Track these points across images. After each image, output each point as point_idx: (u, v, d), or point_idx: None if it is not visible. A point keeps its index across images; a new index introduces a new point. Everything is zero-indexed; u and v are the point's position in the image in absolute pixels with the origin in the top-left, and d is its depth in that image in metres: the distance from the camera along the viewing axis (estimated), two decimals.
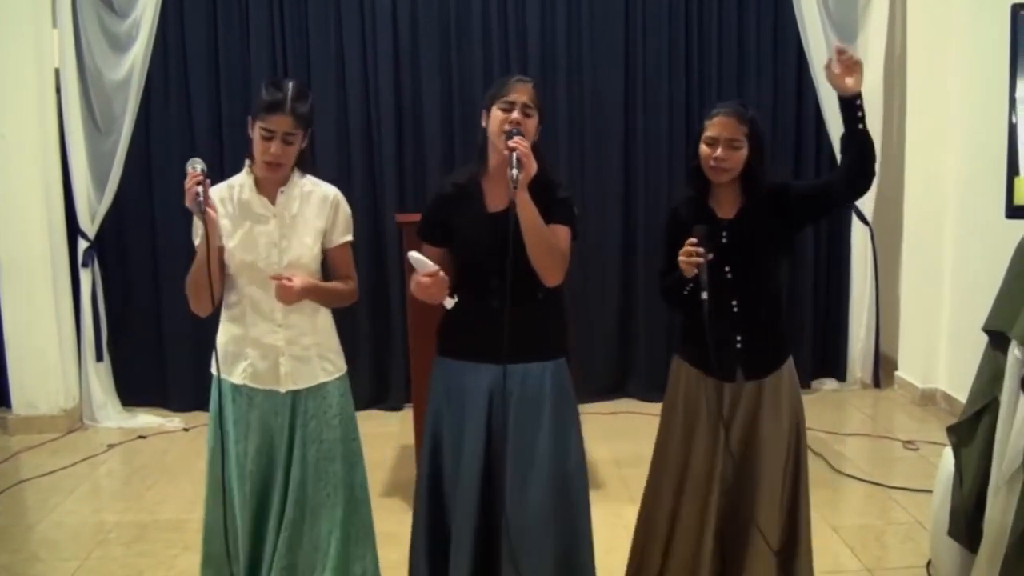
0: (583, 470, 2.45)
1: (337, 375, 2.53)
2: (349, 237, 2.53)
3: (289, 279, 2.33)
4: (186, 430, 5.05)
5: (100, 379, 5.15)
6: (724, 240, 2.43)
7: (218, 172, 5.59)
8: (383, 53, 5.20)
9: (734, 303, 2.44)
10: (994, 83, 3.88)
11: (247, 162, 2.48)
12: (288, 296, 2.34)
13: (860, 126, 2.26)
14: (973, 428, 2.66)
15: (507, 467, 2.33)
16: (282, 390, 2.45)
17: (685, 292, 2.41)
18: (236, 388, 2.45)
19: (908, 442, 4.55)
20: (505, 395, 2.34)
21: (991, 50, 4.17)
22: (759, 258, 2.45)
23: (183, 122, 5.22)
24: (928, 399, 5.16)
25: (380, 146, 5.26)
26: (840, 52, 2.21)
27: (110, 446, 4.79)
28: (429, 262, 2.26)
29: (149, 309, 5.32)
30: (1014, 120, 2.64)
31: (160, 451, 4.73)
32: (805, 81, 5.37)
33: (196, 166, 2.31)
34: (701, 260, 2.32)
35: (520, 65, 5.25)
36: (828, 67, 2.24)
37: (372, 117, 5.26)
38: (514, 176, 2.19)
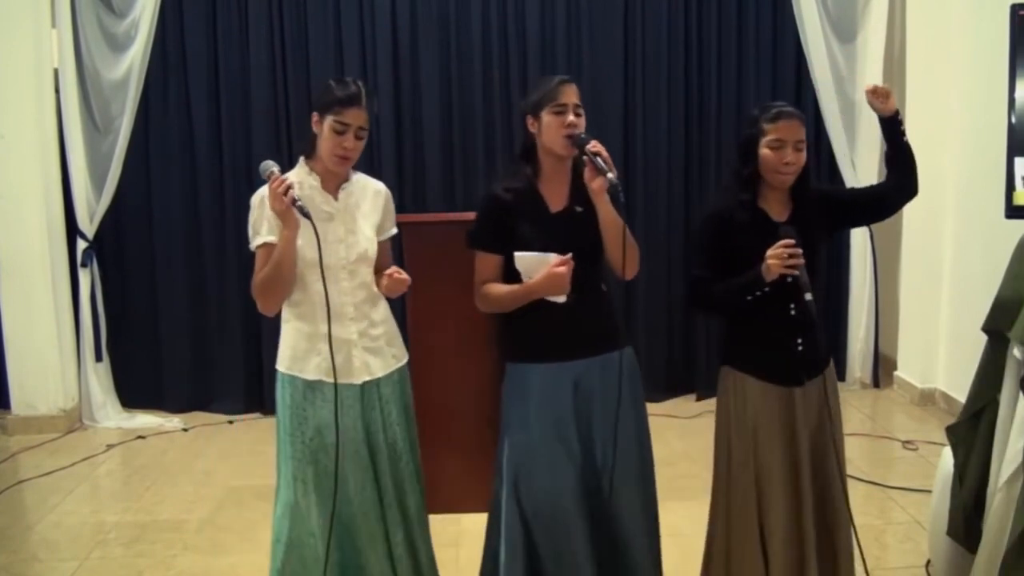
0: (652, 457, 2.54)
1: (405, 360, 2.60)
2: (395, 229, 2.62)
3: (399, 271, 2.40)
4: (185, 430, 5.05)
5: (99, 379, 5.15)
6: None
7: (218, 172, 5.64)
8: (382, 53, 5.20)
9: (792, 306, 2.42)
10: (993, 83, 3.88)
11: (302, 159, 2.48)
12: (401, 288, 2.42)
13: (903, 139, 2.46)
14: (972, 428, 2.67)
15: (610, 455, 2.37)
16: (358, 382, 2.46)
17: (751, 297, 2.37)
18: (308, 384, 2.44)
19: (907, 442, 4.55)
20: (585, 390, 2.39)
21: (990, 50, 4.17)
22: (813, 259, 2.41)
23: (182, 122, 5.22)
24: (927, 399, 5.16)
25: (379, 147, 5.25)
26: (872, 91, 2.44)
27: (109, 446, 4.79)
28: (547, 253, 2.29)
29: (148, 309, 5.32)
30: (1013, 120, 2.65)
31: (159, 451, 4.73)
32: (804, 81, 5.36)
33: (274, 169, 2.31)
34: (801, 261, 2.30)
35: (519, 64, 5.25)
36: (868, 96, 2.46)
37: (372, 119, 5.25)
38: (612, 179, 2.23)
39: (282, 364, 2.48)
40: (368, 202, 2.53)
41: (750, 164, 2.42)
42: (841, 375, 5.61)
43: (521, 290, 2.35)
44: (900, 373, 5.43)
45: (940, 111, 4.95)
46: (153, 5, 4.96)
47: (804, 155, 2.40)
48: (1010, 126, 2.65)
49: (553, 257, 2.27)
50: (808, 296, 2.32)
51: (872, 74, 5.28)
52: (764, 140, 2.39)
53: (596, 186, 2.28)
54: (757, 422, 2.46)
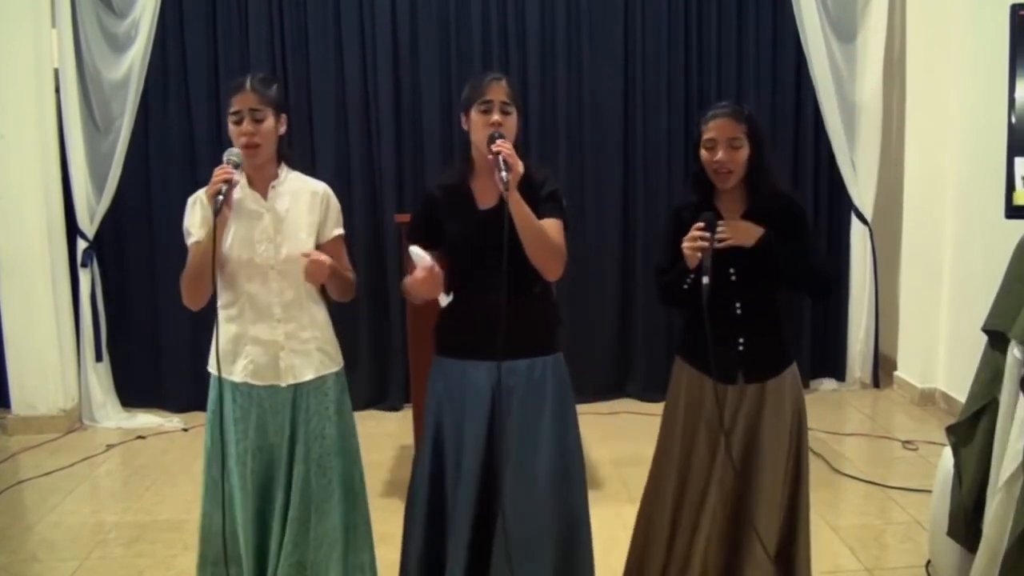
0: (582, 465, 2.48)
1: (336, 368, 2.55)
2: (340, 230, 2.55)
3: (317, 253, 2.36)
4: (185, 430, 5.04)
5: (99, 379, 5.15)
6: (729, 241, 2.40)
7: None
8: (382, 53, 5.20)
9: (737, 305, 2.44)
10: (993, 83, 3.88)
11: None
12: (320, 271, 2.36)
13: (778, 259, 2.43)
14: (972, 428, 2.66)
15: (509, 463, 2.34)
16: (283, 384, 2.45)
17: (685, 285, 2.39)
18: (236, 386, 2.45)
19: (907, 442, 4.55)
20: (507, 391, 2.35)
21: (990, 50, 4.17)
22: (763, 261, 2.43)
23: (182, 122, 5.22)
24: (927, 399, 5.16)
25: (379, 147, 5.26)
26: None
27: (109, 446, 4.79)
28: (428, 257, 2.28)
29: (148, 309, 5.32)
30: (1013, 120, 2.65)
31: (159, 451, 4.73)
32: (804, 81, 5.37)
33: (232, 158, 2.33)
34: (706, 245, 2.31)
35: (519, 65, 5.25)
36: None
37: (371, 117, 5.26)
38: (504, 179, 2.21)
39: (212, 366, 2.48)
40: (304, 203, 2.48)
41: (695, 165, 2.47)
42: (841, 375, 5.62)
43: (406, 285, 2.40)
44: (900, 373, 5.43)
45: (940, 111, 4.95)
46: (153, 5, 4.96)
47: (742, 152, 2.39)
48: (1010, 126, 2.65)
49: (426, 261, 2.27)
50: (704, 279, 2.31)
51: (872, 74, 5.29)
52: (702, 140, 2.42)
53: (500, 187, 2.25)
54: (687, 410, 2.50)
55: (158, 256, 5.27)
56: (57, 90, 4.97)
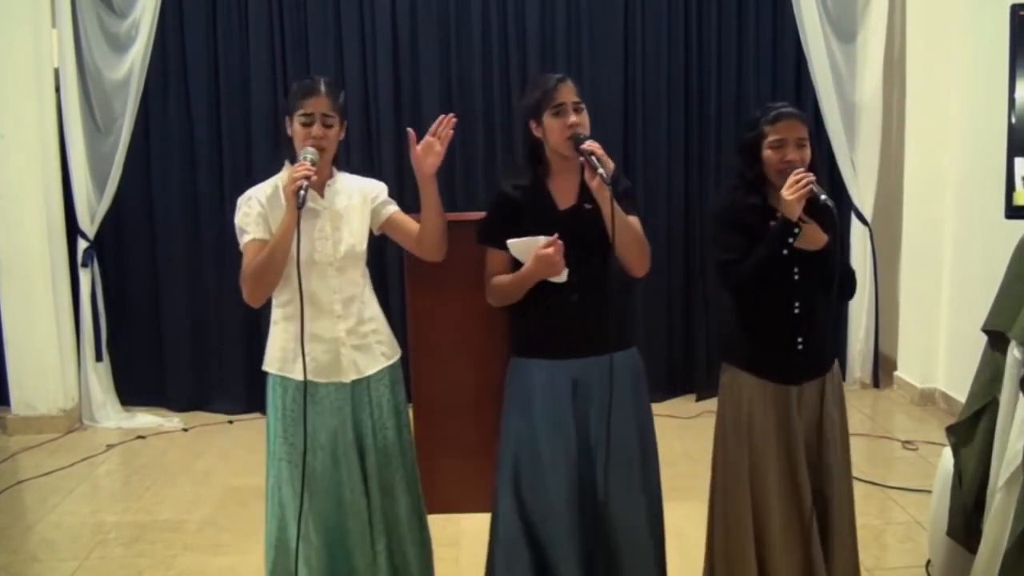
0: (657, 459, 2.54)
1: (395, 359, 2.59)
2: (394, 207, 2.60)
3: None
4: (185, 430, 5.05)
5: (99, 379, 5.15)
6: (791, 241, 2.37)
7: (218, 171, 5.64)
8: (382, 53, 5.20)
9: (796, 304, 2.42)
10: (994, 83, 3.88)
11: (287, 163, 2.49)
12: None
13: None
14: (972, 428, 2.66)
15: (600, 457, 2.37)
16: (346, 380, 2.46)
17: (791, 239, 2.32)
18: (298, 386, 2.42)
19: (907, 442, 4.55)
20: (585, 388, 2.39)
21: (991, 50, 4.17)
22: (823, 260, 2.41)
23: (183, 122, 5.22)
24: (927, 399, 5.16)
25: (379, 146, 5.26)
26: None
27: (109, 446, 4.79)
28: (537, 237, 2.30)
29: (149, 309, 5.32)
30: (1013, 120, 2.64)
31: (159, 451, 4.73)
32: (804, 81, 5.36)
33: (309, 156, 2.34)
34: (812, 177, 2.28)
35: (519, 64, 5.25)
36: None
37: (371, 117, 5.26)
38: (603, 175, 2.23)
39: (271, 366, 2.48)
40: (356, 199, 2.53)
41: (755, 167, 2.41)
42: (841, 375, 5.60)
43: (519, 276, 2.37)
44: (900, 373, 5.43)
45: (940, 111, 4.95)
46: (154, 5, 4.96)
47: (808, 152, 2.39)
48: (1010, 126, 2.65)
49: (543, 239, 2.29)
50: (823, 198, 2.26)
51: (872, 74, 5.29)
52: (766, 142, 2.39)
53: (594, 185, 2.28)
54: (752, 419, 2.46)
55: (159, 255, 5.27)
56: (57, 90, 4.97)
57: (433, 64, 5.24)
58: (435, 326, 3.49)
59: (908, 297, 5.34)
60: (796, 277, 2.42)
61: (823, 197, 2.27)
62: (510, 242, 2.34)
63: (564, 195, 2.44)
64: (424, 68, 5.24)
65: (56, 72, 4.96)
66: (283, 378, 2.46)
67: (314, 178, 2.30)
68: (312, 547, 2.43)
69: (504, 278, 2.42)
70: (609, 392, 2.35)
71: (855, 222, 5.44)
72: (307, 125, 2.40)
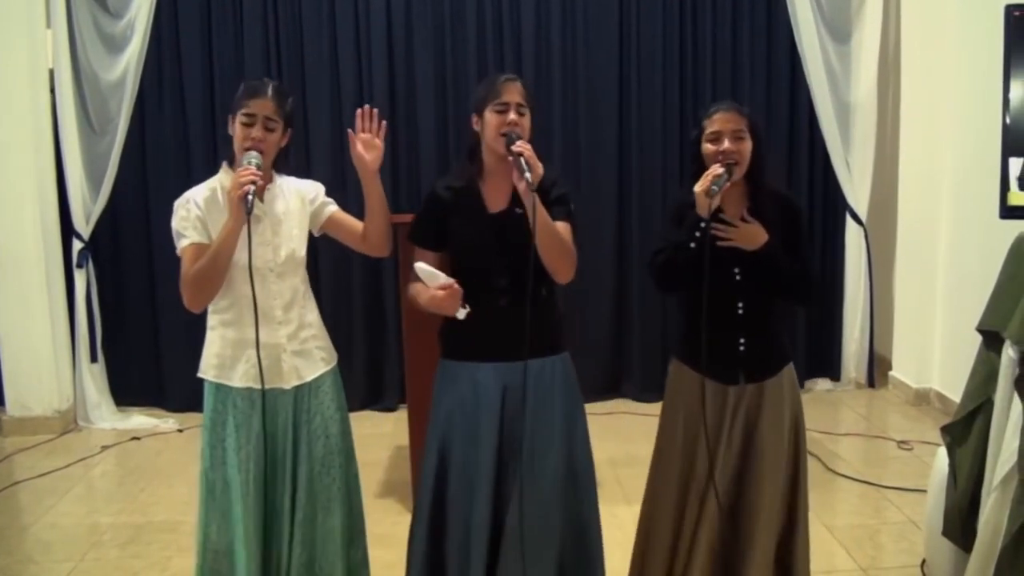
0: (591, 466, 2.48)
1: (333, 364, 2.57)
2: (333, 206, 2.57)
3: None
4: (180, 431, 5.04)
5: (94, 380, 5.15)
6: (699, 236, 2.38)
7: (212, 172, 5.60)
8: (377, 54, 5.20)
9: (740, 305, 2.43)
10: (988, 83, 3.89)
11: (224, 164, 2.50)
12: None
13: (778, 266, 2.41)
14: (967, 428, 2.67)
15: (522, 463, 2.32)
16: (287, 386, 2.45)
17: (693, 242, 2.33)
18: (237, 392, 2.42)
19: (902, 442, 4.56)
20: (517, 391, 2.34)
21: (985, 50, 4.19)
22: (766, 264, 2.42)
23: (178, 123, 5.22)
24: (922, 399, 5.17)
25: None
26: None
27: (104, 447, 4.78)
28: (440, 273, 2.25)
29: (144, 310, 5.32)
30: (1008, 121, 2.65)
31: (154, 452, 4.73)
32: (798, 80, 5.38)
33: (253, 161, 2.31)
34: (720, 170, 2.30)
35: (515, 64, 5.25)
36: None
37: None
38: (529, 180, 2.20)
39: (207, 372, 2.45)
40: (294, 203, 2.50)
41: (696, 163, 2.45)
42: (836, 375, 5.63)
43: (423, 300, 2.34)
44: (895, 373, 5.44)
45: (935, 111, 4.96)
46: (149, 6, 4.96)
47: (746, 144, 2.39)
48: (1005, 126, 2.65)
49: (441, 279, 2.24)
50: (714, 188, 2.28)
51: (867, 74, 5.30)
52: (704, 135, 2.43)
53: (520, 188, 2.24)
54: (688, 412, 2.49)
55: (154, 256, 5.27)
56: (52, 90, 4.96)
57: (428, 63, 5.24)
58: (429, 325, 3.49)
59: (903, 297, 5.35)
60: (737, 277, 2.42)
61: (714, 188, 2.28)
62: (417, 265, 2.28)
63: (496, 198, 2.40)
64: (419, 69, 5.25)
65: (51, 73, 4.95)
66: (219, 385, 2.43)
67: (260, 183, 2.27)
68: (236, 555, 2.42)
69: (417, 290, 2.37)
70: (533, 398, 2.34)
71: (850, 222, 5.45)
72: (248, 126, 2.37)
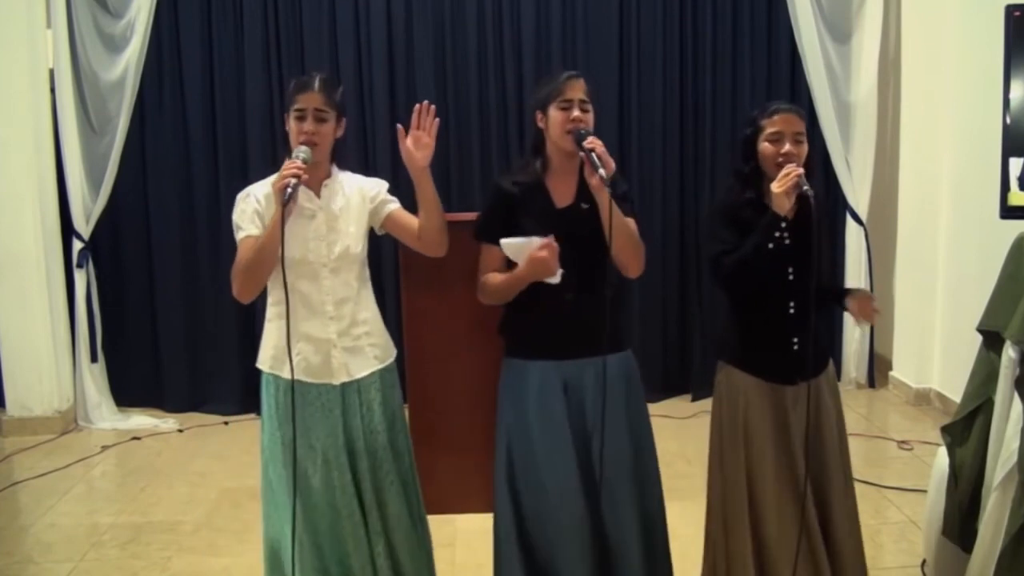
0: (656, 464, 2.51)
1: (388, 361, 2.57)
2: (395, 204, 2.56)
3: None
4: (180, 431, 5.04)
5: (95, 380, 5.14)
6: (787, 241, 2.39)
7: (213, 172, 5.63)
8: (377, 53, 5.20)
9: (792, 304, 2.43)
10: (988, 83, 3.89)
11: (287, 159, 2.48)
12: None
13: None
14: (967, 428, 2.67)
15: (598, 463, 2.35)
16: (336, 382, 2.45)
17: (777, 234, 2.34)
18: (287, 384, 2.41)
19: (902, 442, 4.56)
20: (578, 390, 2.37)
21: (985, 50, 4.18)
22: (816, 260, 2.41)
23: (178, 122, 5.22)
24: (922, 399, 5.17)
25: (374, 146, 5.26)
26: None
27: (104, 447, 4.78)
28: (530, 238, 2.27)
29: (144, 310, 5.32)
30: (1008, 121, 2.65)
31: (154, 452, 4.73)
32: (799, 81, 5.37)
33: (301, 155, 2.32)
34: (800, 170, 2.30)
35: (515, 64, 5.25)
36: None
37: (367, 117, 5.26)
38: (603, 175, 2.22)
39: (264, 364, 2.48)
40: (356, 199, 2.51)
41: (750, 161, 2.44)
42: (837, 375, 5.60)
43: (512, 277, 2.35)
44: (895, 373, 5.44)
45: (935, 111, 4.96)
46: (149, 5, 4.96)
47: (805, 148, 2.40)
48: (1005, 126, 2.65)
49: (537, 241, 2.26)
50: (805, 188, 2.29)
51: (867, 74, 5.30)
52: (763, 135, 2.40)
53: (593, 183, 2.26)
54: (748, 418, 2.47)
55: (154, 256, 5.26)
56: (52, 90, 4.96)
57: (428, 63, 5.24)
58: (431, 324, 3.49)
59: (903, 297, 5.34)
60: (791, 277, 2.42)
61: (805, 187, 2.29)
62: (504, 241, 2.31)
63: (562, 193, 2.42)
64: (419, 68, 5.25)
65: (51, 73, 4.95)
66: (275, 376, 2.45)
67: (305, 176, 2.27)
68: (304, 548, 2.42)
69: (496, 276, 2.41)
70: (602, 396, 2.34)
71: (850, 222, 5.45)
72: (300, 120, 2.39)
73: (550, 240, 2.26)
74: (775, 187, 2.30)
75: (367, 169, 5.27)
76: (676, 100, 5.38)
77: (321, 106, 2.39)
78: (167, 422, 5.16)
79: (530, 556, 2.40)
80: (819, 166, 5.47)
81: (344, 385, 2.46)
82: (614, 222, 2.27)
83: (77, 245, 5.07)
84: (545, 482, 2.37)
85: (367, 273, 2.57)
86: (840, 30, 5.34)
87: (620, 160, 5.32)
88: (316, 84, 2.41)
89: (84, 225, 5.07)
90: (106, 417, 5.15)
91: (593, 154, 2.25)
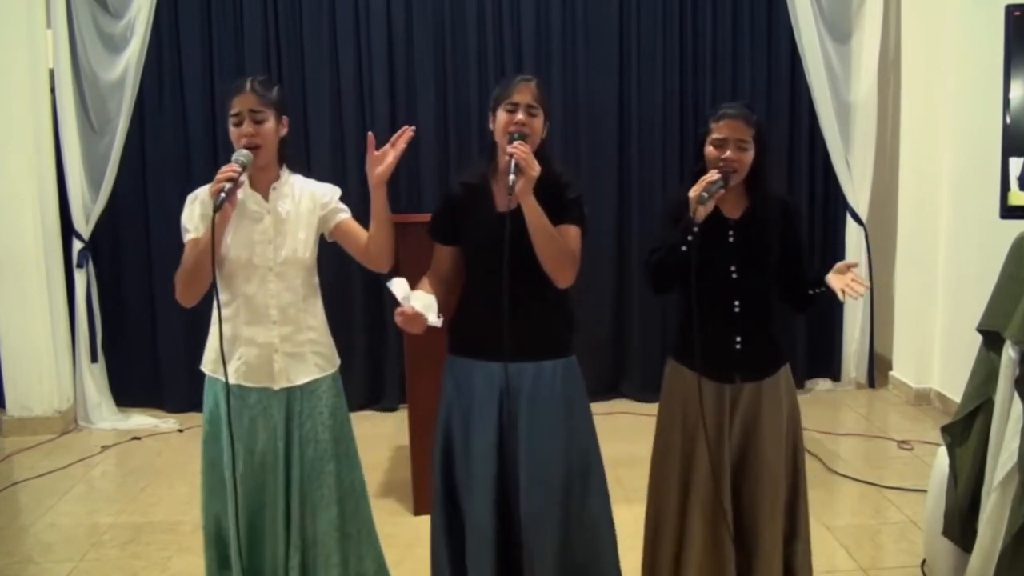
0: (600, 470, 2.48)
1: (331, 371, 2.54)
2: (346, 214, 2.55)
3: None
4: (180, 431, 5.04)
5: (94, 380, 5.14)
6: (731, 239, 2.42)
7: (213, 172, 5.61)
8: (377, 54, 5.20)
9: (736, 303, 2.43)
10: (988, 83, 3.89)
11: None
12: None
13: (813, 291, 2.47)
14: (967, 428, 2.67)
15: (520, 468, 2.33)
16: (276, 387, 2.44)
17: (684, 248, 2.33)
18: (229, 388, 2.42)
19: (902, 442, 4.56)
20: (513, 393, 2.34)
21: (985, 50, 4.19)
22: (763, 259, 2.44)
23: (178, 122, 5.22)
24: (922, 399, 5.17)
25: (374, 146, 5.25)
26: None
27: (104, 447, 4.78)
28: (409, 294, 2.26)
29: (144, 310, 5.32)
30: (1008, 120, 2.65)
31: (154, 452, 4.72)
32: (799, 81, 5.37)
33: (240, 158, 2.33)
34: (716, 176, 2.31)
35: (515, 64, 5.25)
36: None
37: (367, 118, 5.26)
38: (511, 181, 2.21)
39: (206, 366, 2.48)
40: (305, 204, 2.49)
41: (700, 161, 2.46)
42: (836, 375, 5.63)
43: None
44: (895, 373, 5.44)
45: (935, 111, 4.96)
46: (149, 5, 4.96)
47: (748, 155, 2.40)
48: (1005, 126, 2.65)
49: (407, 302, 2.24)
50: (704, 195, 2.29)
51: (867, 74, 5.30)
52: (709, 139, 2.42)
53: (518, 188, 2.24)
54: (686, 412, 2.49)
55: (154, 256, 5.26)
56: (52, 90, 4.96)
57: (428, 63, 5.24)
58: (428, 329, 3.50)
59: (903, 297, 5.34)
60: (734, 275, 2.42)
61: (704, 195, 2.29)
62: (392, 281, 2.29)
63: (506, 197, 2.37)
64: (419, 68, 5.25)
65: (51, 73, 4.95)
66: (214, 379, 2.46)
67: (242, 180, 2.28)
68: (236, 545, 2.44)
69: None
70: (528, 401, 2.34)
71: (850, 222, 5.45)
72: (237, 124, 2.39)
73: (403, 309, 2.23)
74: (691, 192, 2.33)
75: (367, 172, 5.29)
76: (676, 100, 5.38)
77: (256, 107, 2.39)
78: (167, 422, 5.16)
79: (456, 553, 2.42)
80: (819, 165, 5.49)
81: (289, 390, 2.45)
82: (536, 228, 2.26)
83: (77, 245, 5.07)
84: (472, 459, 2.38)
85: (316, 280, 2.54)
86: (840, 30, 5.34)
87: (619, 160, 5.35)
88: (248, 85, 2.39)
89: (84, 225, 5.07)
90: (106, 417, 5.15)
91: (511, 159, 2.23)
